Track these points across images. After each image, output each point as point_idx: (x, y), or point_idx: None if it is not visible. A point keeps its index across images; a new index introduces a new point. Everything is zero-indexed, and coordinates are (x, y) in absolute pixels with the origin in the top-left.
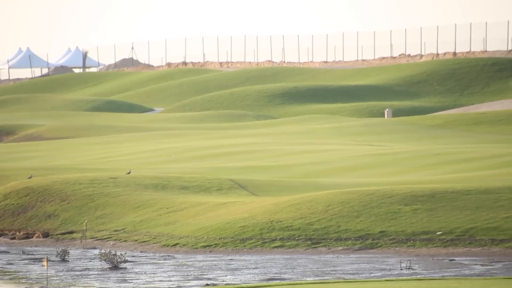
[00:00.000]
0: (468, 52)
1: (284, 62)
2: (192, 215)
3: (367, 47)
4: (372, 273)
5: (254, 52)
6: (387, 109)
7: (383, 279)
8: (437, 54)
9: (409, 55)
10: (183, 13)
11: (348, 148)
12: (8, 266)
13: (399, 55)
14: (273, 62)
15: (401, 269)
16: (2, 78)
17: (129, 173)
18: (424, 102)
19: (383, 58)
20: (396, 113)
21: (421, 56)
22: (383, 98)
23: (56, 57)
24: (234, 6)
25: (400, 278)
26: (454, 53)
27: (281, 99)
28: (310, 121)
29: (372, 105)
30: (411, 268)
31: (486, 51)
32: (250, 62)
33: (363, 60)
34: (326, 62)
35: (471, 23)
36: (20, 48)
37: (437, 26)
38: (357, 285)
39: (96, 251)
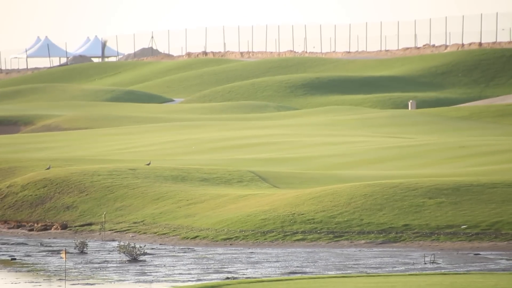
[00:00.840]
0: (494, 43)
1: (306, 52)
2: (212, 207)
3: (391, 37)
4: (395, 267)
5: (275, 42)
6: (411, 101)
7: (407, 273)
8: (462, 45)
9: (433, 46)
10: (204, 2)
11: (371, 140)
12: (26, 258)
13: (424, 45)
14: (294, 52)
15: (425, 263)
16: (20, 67)
17: (148, 164)
18: (449, 93)
19: (407, 48)
20: (420, 104)
21: (446, 46)
22: (407, 89)
23: (74, 46)
24: None
25: (424, 272)
26: (480, 44)
27: (303, 90)
28: (332, 112)
29: (396, 97)
30: (435, 262)
31: None
32: (271, 52)
33: (387, 51)
34: (349, 52)
35: (497, 13)
36: (38, 37)
37: (463, 16)
38: (380, 279)
39: (115, 243)
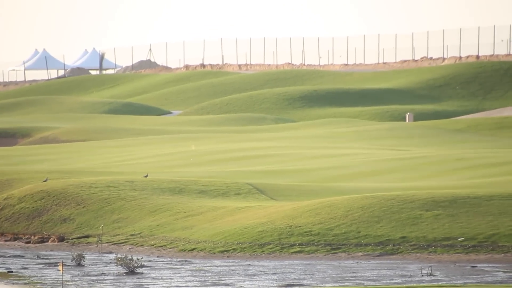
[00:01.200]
0: (491, 56)
1: (304, 64)
2: (209, 219)
3: (389, 49)
4: (392, 279)
5: (273, 55)
6: (408, 113)
7: (404, 285)
8: (460, 57)
9: (431, 58)
10: (202, 15)
11: (369, 153)
12: (23, 271)
13: (421, 58)
14: (292, 64)
15: (422, 275)
16: (18, 80)
17: (146, 176)
18: (446, 106)
19: (405, 61)
20: (418, 117)
21: (443, 59)
22: (405, 102)
23: (72, 58)
24: (253, 8)
25: (422, 284)
26: (477, 57)
27: (301, 102)
28: (330, 124)
29: (393, 109)
30: (432, 275)
31: (510, 55)
32: (269, 65)
33: (384, 63)
34: (346, 65)
35: (494, 26)
36: (36, 49)
37: (460, 29)
38: None
39: (112, 256)
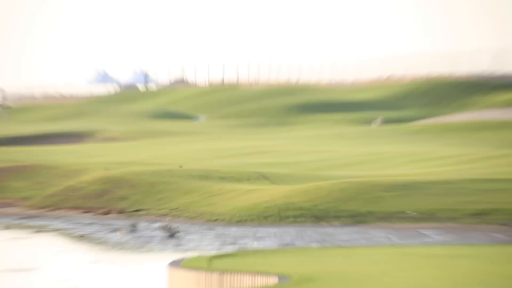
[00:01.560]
0: (440, 75)
1: (299, 82)
2: (228, 198)
3: (364, 70)
4: (360, 241)
5: (276, 74)
6: (377, 119)
7: (368, 245)
8: (418, 76)
9: (395, 77)
10: (221, 43)
11: (346, 150)
12: (94, 234)
13: (388, 76)
14: (290, 81)
15: (382, 238)
16: (85, 94)
17: (181, 167)
18: (407, 113)
19: (376, 79)
20: (385, 122)
21: (405, 77)
22: (375, 110)
23: (125, 77)
24: (262, 38)
25: (380, 244)
26: (430, 75)
27: (296, 110)
28: (317, 128)
29: (367, 115)
30: (388, 238)
31: (453, 74)
32: (273, 82)
33: (361, 80)
34: (331, 82)
35: (445, 52)
36: (97, 70)
37: (418, 53)
38: (348, 250)
39: (158, 224)
